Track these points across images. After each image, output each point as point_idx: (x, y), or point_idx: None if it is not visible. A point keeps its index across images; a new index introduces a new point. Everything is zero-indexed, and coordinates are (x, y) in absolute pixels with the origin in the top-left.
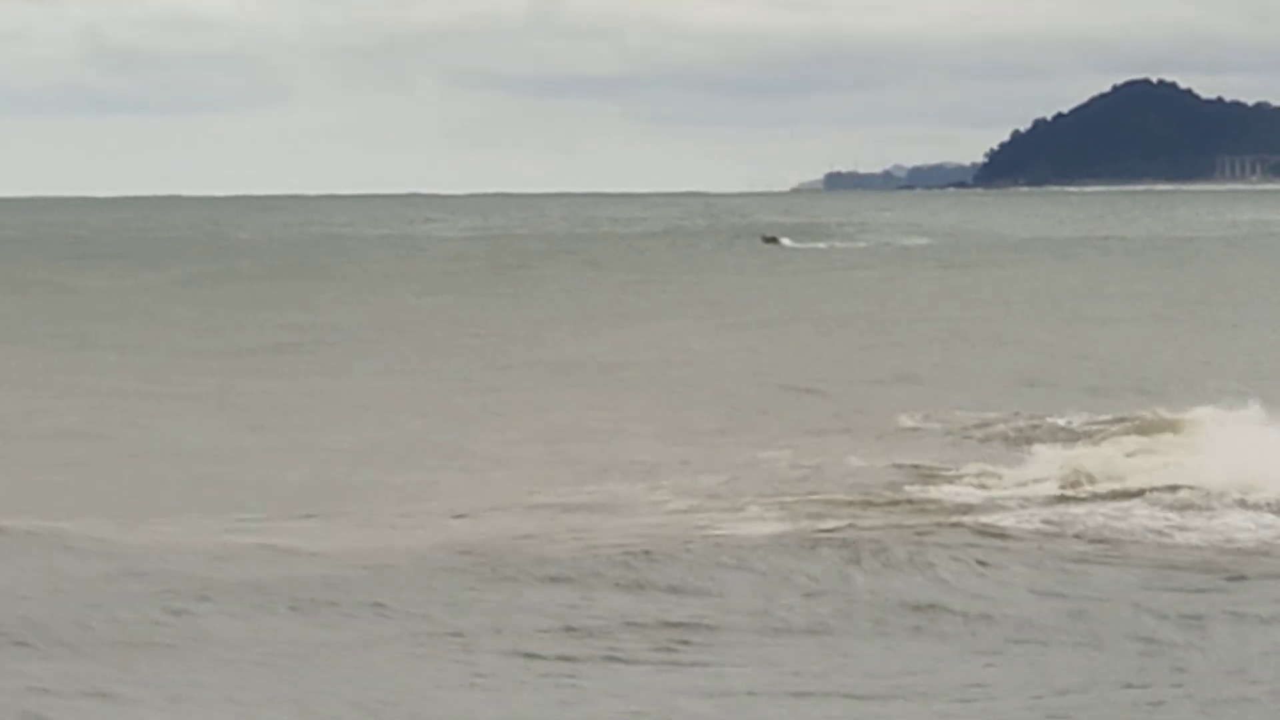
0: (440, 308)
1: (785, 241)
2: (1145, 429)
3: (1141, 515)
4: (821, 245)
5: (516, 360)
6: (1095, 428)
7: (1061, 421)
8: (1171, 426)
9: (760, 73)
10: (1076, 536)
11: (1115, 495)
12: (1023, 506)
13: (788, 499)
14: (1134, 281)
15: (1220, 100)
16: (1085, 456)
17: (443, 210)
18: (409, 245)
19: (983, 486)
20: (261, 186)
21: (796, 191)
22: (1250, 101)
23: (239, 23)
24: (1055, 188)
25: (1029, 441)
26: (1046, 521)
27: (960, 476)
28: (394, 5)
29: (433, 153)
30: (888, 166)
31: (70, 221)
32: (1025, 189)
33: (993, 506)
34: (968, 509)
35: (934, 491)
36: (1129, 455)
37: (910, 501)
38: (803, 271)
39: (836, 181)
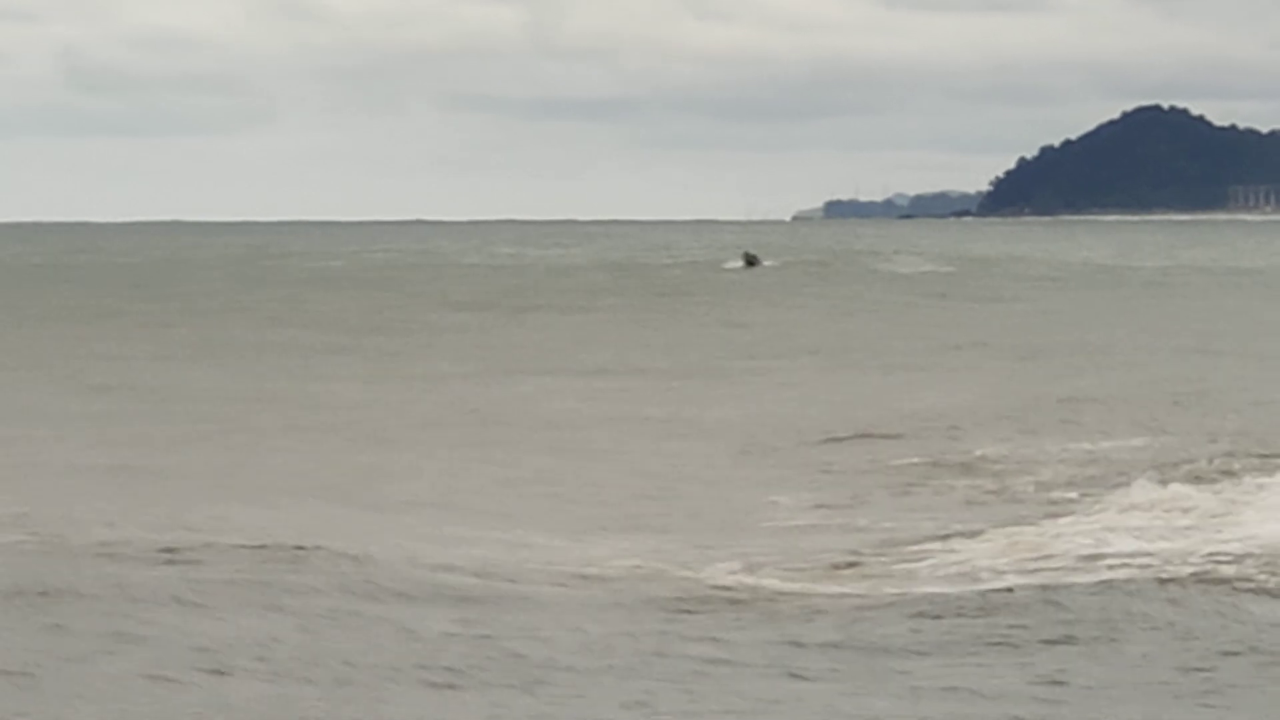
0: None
1: (769, 263)
2: None
3: None
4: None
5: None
6: None
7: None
8: None
9: (760, 96)
10: None
11: None
12: None
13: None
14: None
15: (1234, 128)
16: None
17: (469, 237)
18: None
19: None
20: (247, 212)
21: (797, 220)
22: (1265, 129)
23: (224, 42)
24: (1062, 217)
25: None
26: None
27: None
28: (385, 25)
29: (425, 178)
30: (890, 194)
31: (88, 247)
32: (1031, 219)
33: None
34: None
35: None
36: None
37: None
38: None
39: (837, 210)
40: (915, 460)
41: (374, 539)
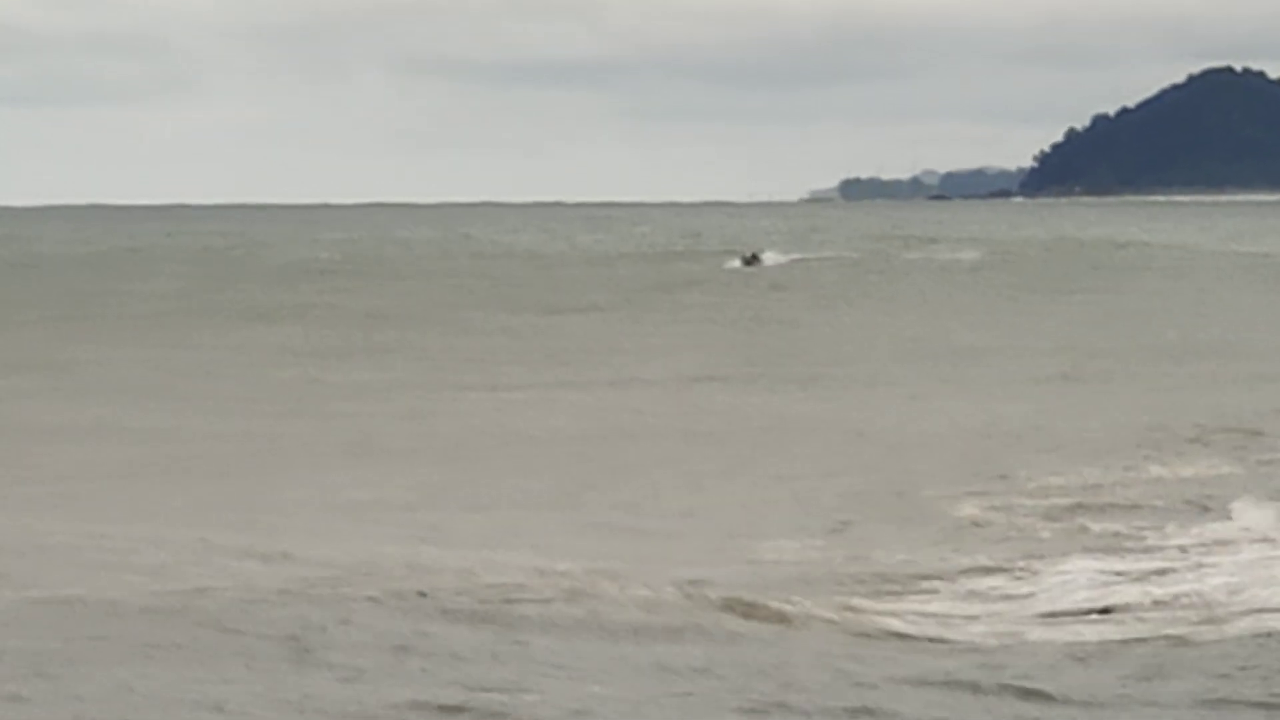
0: None
1: (768, 257)
2: None
3: None
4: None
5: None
6: None
7: None
8: None
9: (765, 58)
10: None
11: None
12: None
13: None
14: None
15: None
16: None
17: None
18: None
19: None
20: (165, 194)
21: (807, 201)
22: None
23: None
24: (1125, 198)
25: None
26: None
27: None
28: None
29: (376, 155)
30: (916, 172)
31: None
32: (1088, 199)
33: None
34: None
35: None
36: None
37: None
38: None
39: (855, 190)
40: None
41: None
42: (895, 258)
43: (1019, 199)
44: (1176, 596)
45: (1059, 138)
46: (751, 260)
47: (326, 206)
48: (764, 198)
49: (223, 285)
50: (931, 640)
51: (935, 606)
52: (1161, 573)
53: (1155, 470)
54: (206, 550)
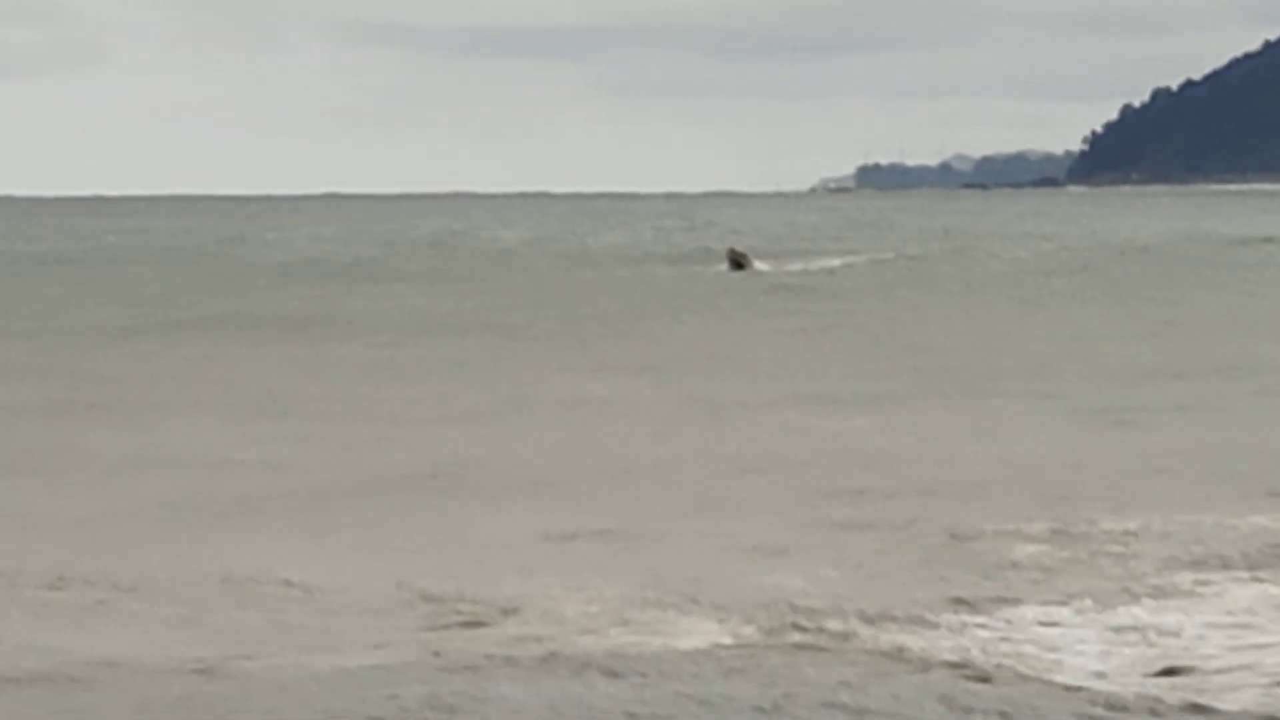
0: None
1: (759, 265)
2: None
3: None
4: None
5: None
6: None
7: None
8: None
9: (771, 26)
10: None
11: None
12: None
13: None
14: None
15: None
16: None
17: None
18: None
19: None
20: (69, 183)
21: (818, 191)
22: None
23: None
24: (1193, 186)
25: None
26: None
27: None
28: None
29: (315, 138)
30: (946, 156)
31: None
32: (1155, 188)
33: None
34: None
35: None
36: None
37: None
38: None
39: (874, 177)
40: None
41: None
42: (971, 256)
43: (1074, 188)
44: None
45: (1113, 115)
46: (740, 263)
47: (269, 198)
48: (769, 187)
49: (232, 289)
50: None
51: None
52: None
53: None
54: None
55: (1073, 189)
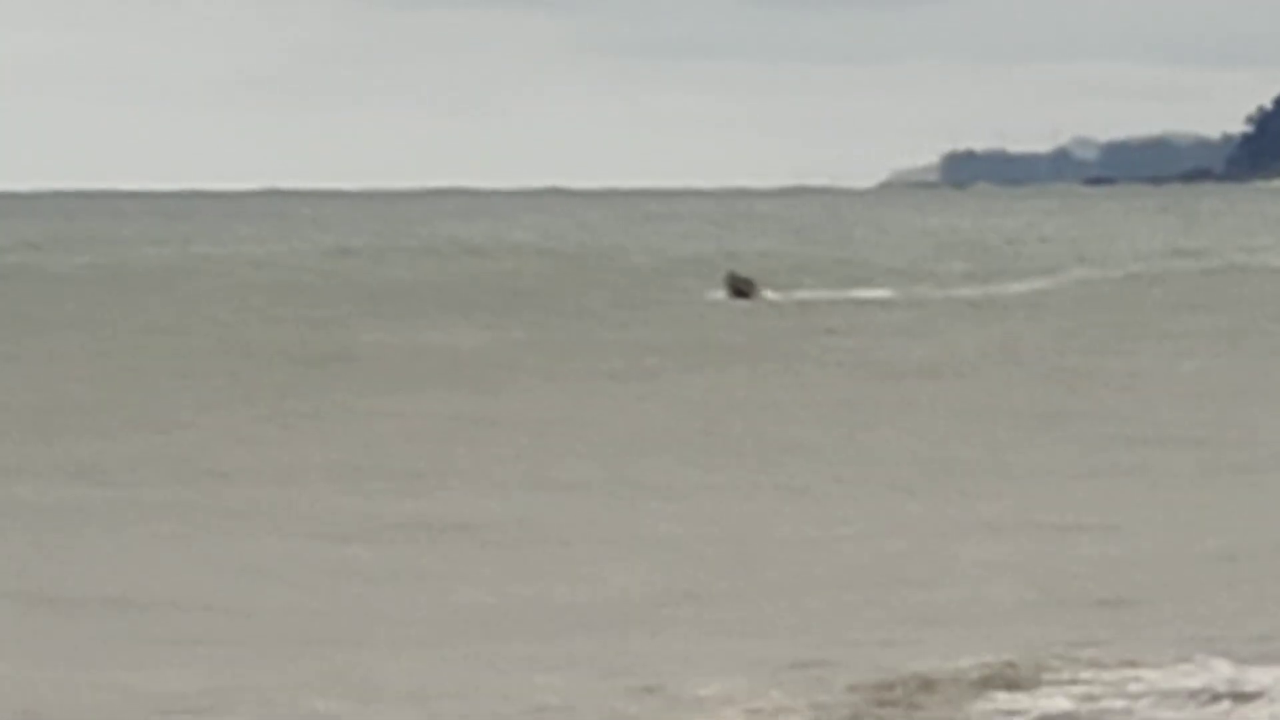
0: None
1: (768, 294)
2: None
3: None
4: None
5: None
6: None
7: None
8: None
9: None
10: None
11: None
12: None
13: None
14: None
15: None
16: None
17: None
18: None
19: None
20: None
21: (890, 185)
22: None
23: None
24: None
25: None
26: None
27: None
28: None
29: (223, 114)
30: (1062, 141)
31: None
32: None
33: None
34: None
35: None
36: None
37: None
38: None
39: (965, 168)
40: None
41: None
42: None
43: (1238, 185)
44: None
45: None
46: (742, 291)
47: (190, 194)
48: (822, 180)
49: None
50: None
51: None
52: None
53: None
54: None
55: (1239, 186)
